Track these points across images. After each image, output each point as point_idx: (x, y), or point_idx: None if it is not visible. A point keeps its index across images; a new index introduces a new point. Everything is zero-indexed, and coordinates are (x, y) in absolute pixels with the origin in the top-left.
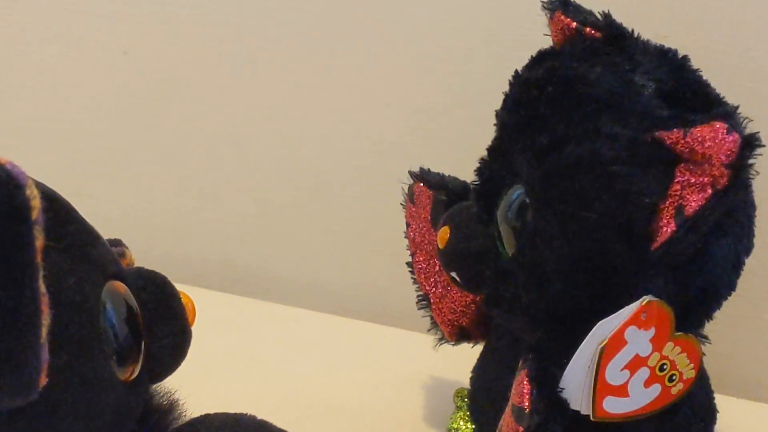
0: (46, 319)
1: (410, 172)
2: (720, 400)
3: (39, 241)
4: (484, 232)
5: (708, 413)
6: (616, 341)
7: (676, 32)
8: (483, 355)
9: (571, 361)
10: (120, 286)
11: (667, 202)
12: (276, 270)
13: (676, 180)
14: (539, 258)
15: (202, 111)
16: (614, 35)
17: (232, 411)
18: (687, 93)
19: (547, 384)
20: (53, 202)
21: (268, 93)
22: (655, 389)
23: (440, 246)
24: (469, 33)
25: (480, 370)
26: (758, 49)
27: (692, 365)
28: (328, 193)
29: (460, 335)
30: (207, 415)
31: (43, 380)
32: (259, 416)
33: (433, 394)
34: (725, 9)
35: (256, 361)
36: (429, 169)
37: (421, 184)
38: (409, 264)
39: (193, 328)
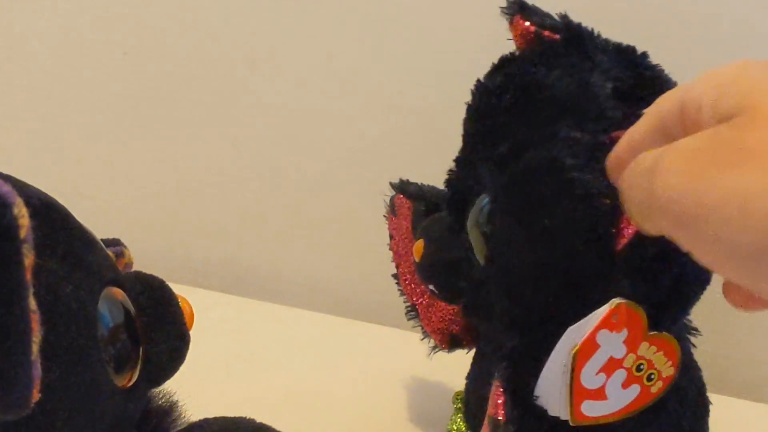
0: (37, 337)
1: (391, 184)
2: (720, 400)
3: (28, 260)
4: (458, 242)
5: (699, 407)
6: (589, 346)
7: (678, 30)
8: (474, 361)
9: (544, 369)
10: (117, 292)
11: None
12: (276, 270)
13: None
14: (508, 265)
15: (202, 111)
16: (573, 36)
17: (231, 411)
18: (646, 90)
19: (520, 392)
20: (49, 209)
21: (267, 93)
22: (634, 390)
23: (416, 259)
24: (466, 35)
25: (472, 376)
26: (758, 47)
27: (670, 363)
28: (328, 194)
29: (452, 342)
30: (206, 420)
31: (36, 396)
32: (259, 416)
33: (432, 395)
34: (726, 7)
35: (256, 361)
36: (408, 180)
37: (401, 196)
38: (395, 276)
39: (193, 329)
